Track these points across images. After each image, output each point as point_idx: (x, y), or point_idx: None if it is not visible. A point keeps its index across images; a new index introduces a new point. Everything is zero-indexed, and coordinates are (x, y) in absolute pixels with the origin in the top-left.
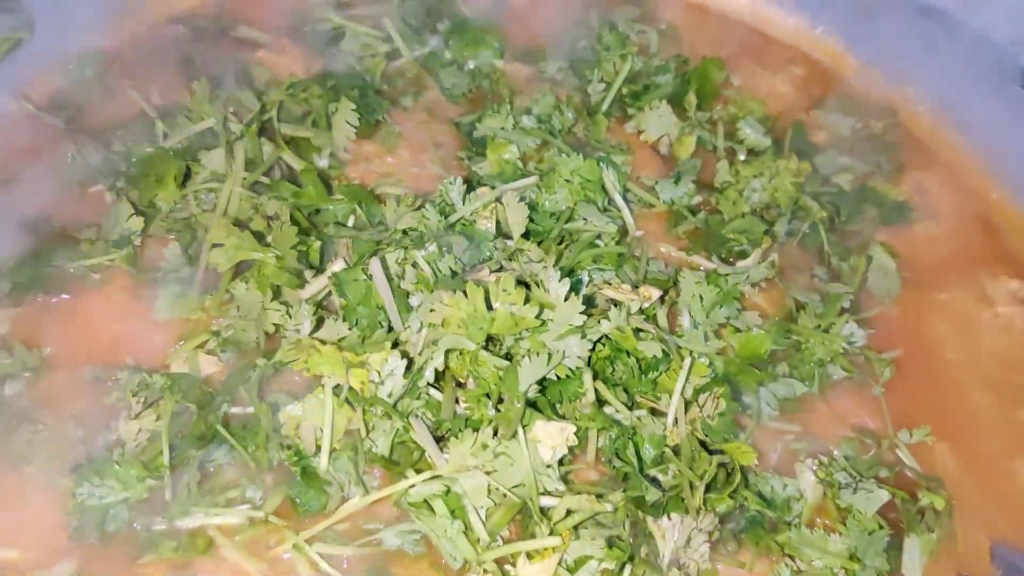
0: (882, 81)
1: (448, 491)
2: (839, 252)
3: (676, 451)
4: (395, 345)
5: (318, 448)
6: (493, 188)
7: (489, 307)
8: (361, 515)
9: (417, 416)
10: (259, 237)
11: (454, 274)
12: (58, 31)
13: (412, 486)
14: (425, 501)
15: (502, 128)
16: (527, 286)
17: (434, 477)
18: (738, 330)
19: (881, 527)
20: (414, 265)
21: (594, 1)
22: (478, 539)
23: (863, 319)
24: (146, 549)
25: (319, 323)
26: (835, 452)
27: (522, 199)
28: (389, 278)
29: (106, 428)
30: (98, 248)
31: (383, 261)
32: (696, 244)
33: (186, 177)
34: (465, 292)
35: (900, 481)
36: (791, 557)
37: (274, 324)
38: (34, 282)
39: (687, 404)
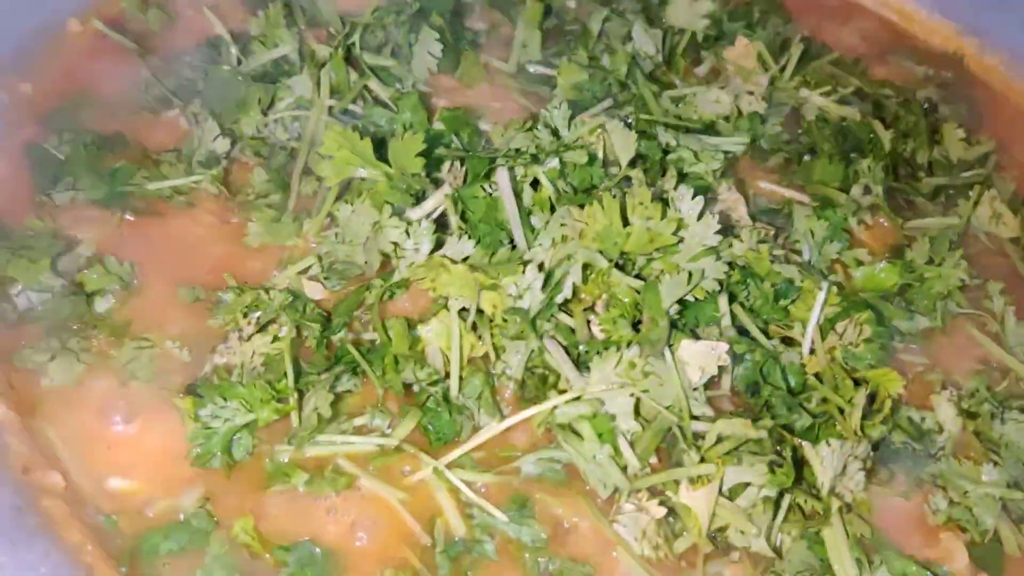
0: (951, 33)
1: (595, 414)
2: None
3: (818, 379)
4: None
5: (446, 373)
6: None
7: (625, 222)
8: (496, 442)
9: (551, 337)
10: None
11: (575, 191)
12: None
13: (556, 407)
14: (569, 425)
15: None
16: (664, 202)
17: (577, 398)
18: (860, 262)
19: None
20: (533, 184)
21: None
22: (625, 466)
23: (970, 255)
24: (275, 479)
25: (439, 243)
26: (964, 385)
27: (627, 125)
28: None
29: (213, 351)
30: (180, 170)
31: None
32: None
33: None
34: (601, 204)
35: None
36: (943, 488)
37: (393, 243)
38: (114, 199)
39: (822, 332)
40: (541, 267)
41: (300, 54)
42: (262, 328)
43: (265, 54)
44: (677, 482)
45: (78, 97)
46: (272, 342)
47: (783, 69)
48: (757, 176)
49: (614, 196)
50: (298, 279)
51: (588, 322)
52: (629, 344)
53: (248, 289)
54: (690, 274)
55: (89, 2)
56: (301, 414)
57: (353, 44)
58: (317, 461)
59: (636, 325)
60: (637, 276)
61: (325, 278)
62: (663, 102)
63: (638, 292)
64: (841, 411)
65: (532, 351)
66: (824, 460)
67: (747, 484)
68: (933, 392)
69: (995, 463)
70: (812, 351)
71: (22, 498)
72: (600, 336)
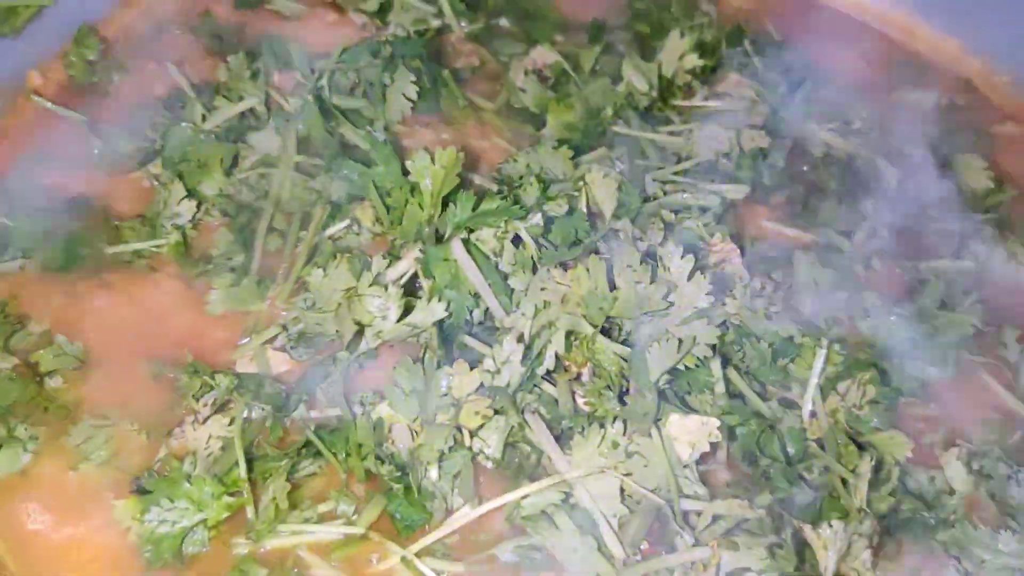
0: (956, 51)
1: (566, 499)
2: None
3: (820, 445)
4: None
5: (410, 454)
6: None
7: (611, 285)
8: (471, 528)
9: (533, 412)
10: None
11: (555, 247)
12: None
13: (526, 496)
14: (544, 513)
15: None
16: (653, 257)
17: (553, 485)
18: (867, 314)
19: None
20: (515, 241)
21: None
22: (611, 554)
23: (984, 300)
24: (233, 575)
25: (408, 308)
26: (974, 437)
27: (606, 174)
28: (486, 257)
29: (169, 435)
30: (144, 234)
31: (465, 242)
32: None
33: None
34: (587, 268)
35: None
36: (957, 559)
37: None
38: (70, 266)
39: (822, 393)
40: (520, 338)
41: (267, 106)
42: (219, 409)
43: (229, 109)
44: (670, 571)
45: (34, 159)
46: (230, 424)
47: (789, 99)
48: (759, 215)
49: (600, 258)
50: (263, 351)
51: (573, 393)
52: (614, 420)
53: (201, 369)
54: (680, 341)
55: (46, 50)
56: (258, 505)
57: (322, 88)
58: (278, 553)
59: (624, 395)
60: (623, 342)
61: (292, 347)
62: (659, 142)
63: (625, 360)
64: (844, 482)
65: (512, 428)
66: (827, 543)
67: (746, 570)
68: (941, 450)
69: (1013, 531)
70: (813, 414)
71: None
72: (585, 409)
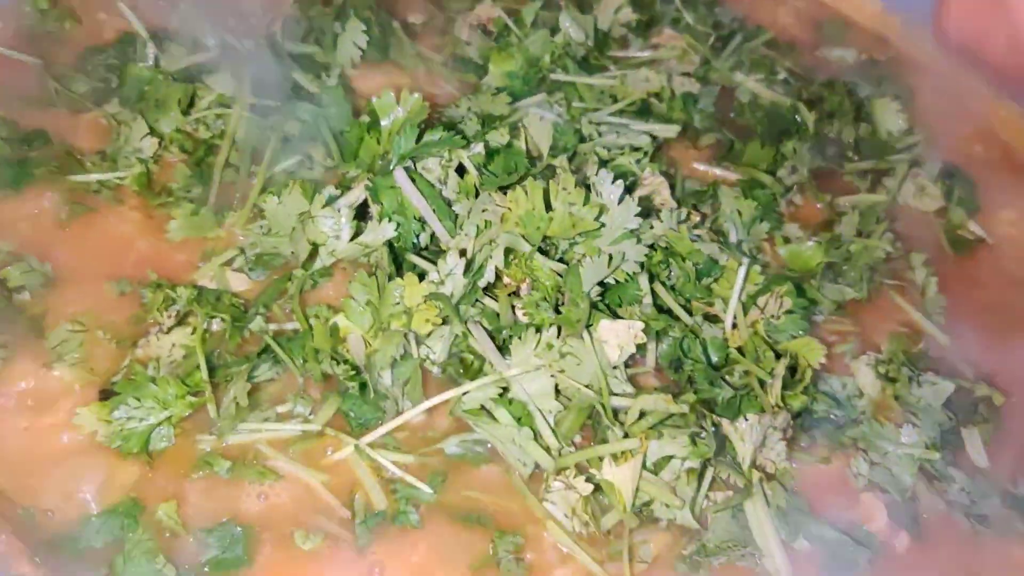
0: (878, 11)
1: (504, 394)
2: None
3: (740, 353)
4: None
5: (366, 359)
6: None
7: (548, 207)
8: (420, 425)
9: (475, 322)
10: None
11: (495, 175)
12: None
13: (466, 392)
14: (484, 409)
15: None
16: (587, 187)
17: (492, 381)
18: (787, 240)
19: (949, 419)
20: (459, 171)
21: None
22: (548, 446)
23: (897, 229)
24: (198, 467)
25: (359, 229)
26: (883, 348)
27: (542, 117)
28: (430, 184)
29: (134, 344)
30: (106, 167)
31: (408, 171)
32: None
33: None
34: (525, 189)
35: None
36: (864, 451)
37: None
38: (36, 189)
39: (744, 308)
40: (463, 253)
41: (221, 47)
42: (181, 321)
43: (187, 57)
44: (602, 458)
45: None
46: (192, 334)
47: (719, 51)
48: (690, 157)
49: (537, 182)
50: (222, 270)
51: (512, 306)
52: (550, 326)
53: (163, 285)
54: (611, 257)
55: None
56: (220, 405)
57: (275, 33)
58: (240, 448)
59: (559, 308)
60: (560, 260)
61: (250, 269)
62: (596, 87)
63: (560, 276)
64: (762, 383)
65: (456, 336)
66: (743, 435)
67: (671, 457)
68: (852, 359)
69: (913, 425)
70: (735, 326)
71: None
72: (524, 320)
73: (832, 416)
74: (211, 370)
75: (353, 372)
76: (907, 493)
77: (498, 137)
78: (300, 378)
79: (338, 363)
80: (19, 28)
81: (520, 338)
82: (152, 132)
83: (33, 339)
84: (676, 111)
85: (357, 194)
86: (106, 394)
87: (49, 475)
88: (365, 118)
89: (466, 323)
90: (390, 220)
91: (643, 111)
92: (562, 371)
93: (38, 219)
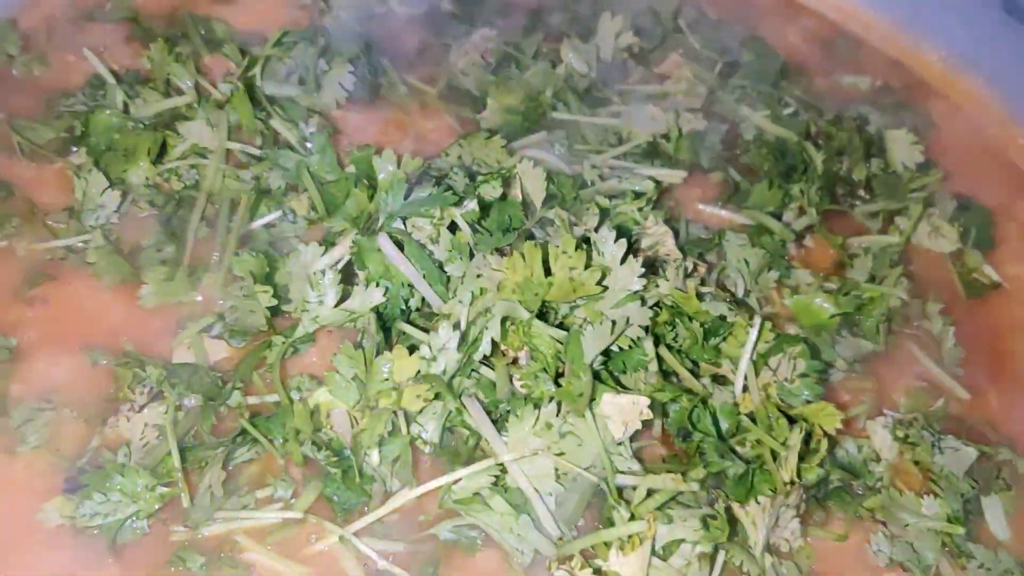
0: (892, 30)
1: (498, 482)
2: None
3: (752, 420)
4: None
5: (353, 439)
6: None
7: (546, 272)
8: (410, 509)
9: (471, 396)
10: None
11: (490, 232)
12: None
13: (458, 480)
14: (478, 496)
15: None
16: (587, 243)
17: (485, 469)
18: (795, 291)
19: (971, 487)
20: (451, 228)
21: None
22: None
23: (911, 272)
24: (171, 562)
25: (345, 294)
26: (900, 405)
27: (536, 164)
28: (419, 246)
29: (104, 423)
30: (72, 227)
31: (396, 232)
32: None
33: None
34: (523, 254)
35: (970, 436)
36: (884, 523)
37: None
38: None
39: (755, 368)
40: (456, 326)
41: (196, 92)
42: (155, 399)
43: (159, 101)
44: (608, 544)
45: None
46: (166, 413)
47: (727, 77)
48: (694, 197)
49: (535, 244)
50: (199, 339)
51: (511, 377)
52: (550, 400)
53: (133, 359)
54: (614, 323)
55: None
56: (195, 493)
57: (254, 76)
58: (216, 539)
59: (560, 377)
60: (559, 325)
61: (230, 336)
62: (599, 123)
63: (560, 343)
64: (775, 454)
65: (450, 412)
66: (755, 519)
67: (681, 541)
68: (869, 418)
69: (936, 495)
70: (745, 389)
71: None
72: (522, 391)
73: (848, 485)
74: (186, 451)
75: (336, 458)
76: (931, 571)
77: (491, 190)
78: (280, 460)
79: (320, 448)
80: None
81: (517, 415)
82: (119, 184)
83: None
84: (683, 151)
85: (341, 251)
86: (71, 484)
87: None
88: (351, 169)
89: (460, 397)
90: (377, 285)
91: (649, 152)
92: (562, 453)
93: (5, 288)
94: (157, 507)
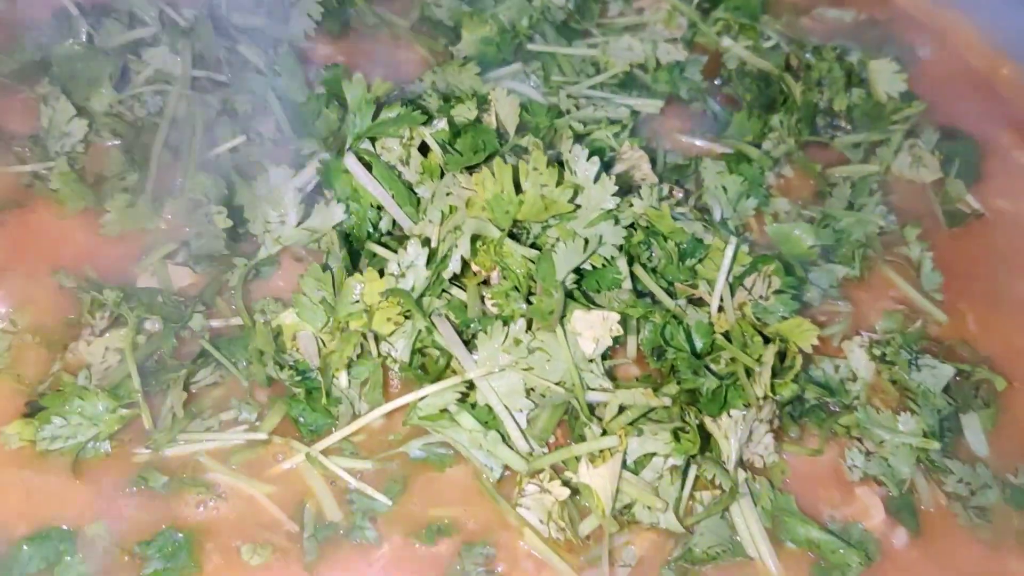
0: None
1: (465, 398)
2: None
3: (727, 338)
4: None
5: (321, 361)
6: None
7: (517, 189)
8: (379, 428)
9: (441, 315)
10: None
11: (461, 153)
12: None
13: (423, 398)
14: (446, 413)
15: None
16: (560, 165)
17: (452, 385)
18: (775, 218)
19: (948, 404)
20: (422, 149)
21: None
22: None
23: (891, 202)
24: (134, 482)
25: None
26: (877, 326)
27: (511, 92)
28: (388, 167)
29: (64, 348)
30: (37, 154)
31: (364, 152)
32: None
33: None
34: (492, 170)
35: (948, 356)
36: (859, 440)
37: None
38: None
39: (731, 290)
40: (426, 242)
41: (160, 21)
42: (116, 323)
43: (124, 33)
44: (579, 459)
45: None
46: (126, 335)
47: (708, 11)
48: (673, 128)
49: (506, 162)
50: (162, 265)
51: (482, 297)
52: (520, 318)
53: (92, 284)
54: (586, 240)
55: None
56: (157, 416)
57: (220, 5)
58: (180, 459)
59: (531, 296)
60: (532, 245)
61: (195, 263)
62: (576, 57)
63: (532, 262)
64: (749, 372)
65: (420, 332)
66: (727, 432)
67: (652, 455)
68: (845, 339)
69: (912, 412)
70: (721, 309)
71: None
72: (493, 311)
73: (824, 403)
74: (148, 375)
75: (299, 377)
76: (905, 486)
77: (465, 112)
78: (244, 382)
79: (282, 367)
80: None
81: (486, 333)
82: (83, 113)
83: None
84: (661, 82)
85: (310, 174)
86: (32, 408)
87: None
88: (320, 90)
89: (430, 317)
90: (342, 204)
91: (626, 83)
92: (529, 368)
93: None
94: (117, 428)
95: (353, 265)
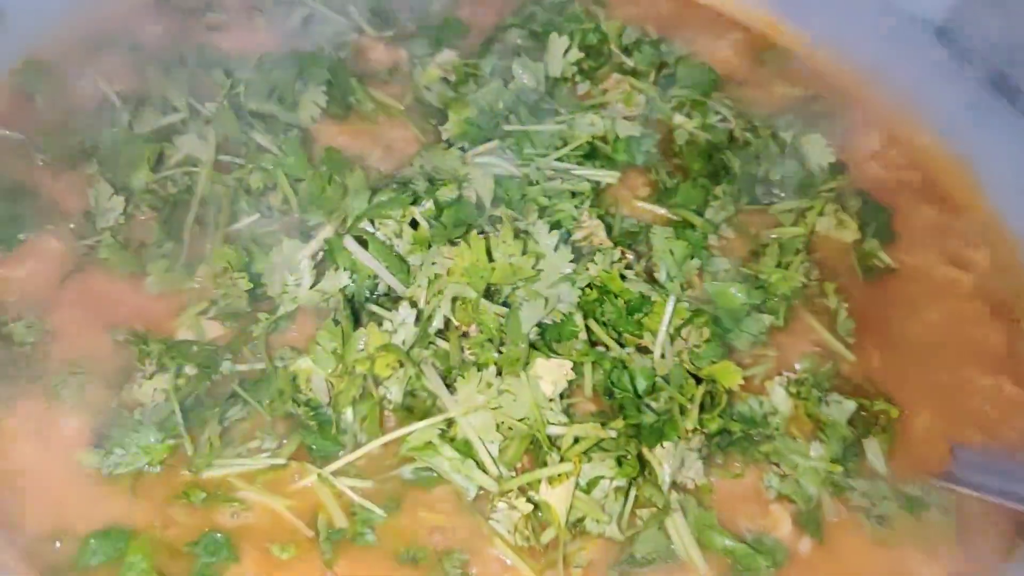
0: (811, 40)
1: (445, 432)
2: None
3: (666, 380)
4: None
5: (332, 399)
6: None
7: (489, 258)
8: (379, 455)
9: (428, 363)
10: None
11: (445, 227)
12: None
13: (412, 432)
14: (431, 444)
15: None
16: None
17: (433, 423)
18: (713, 278)
19: (851, 434)
20: (412, 224)
21: None
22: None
23: (814, 258)
24: (178, 496)
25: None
26: (796, 366)
27: (487, 171)
28: (382, 243)
29: (121, 388)
30: (89, 229)
31: (361, 231)
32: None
33: (159, 160)
34: (468, 243)
35: (855, 392)
36: (776, 464)
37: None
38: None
39: (671, 339)
40: (414, 304)
41: (188, 108)
42: (162, 368)
43: (158, 120)
44: (541, 481)
45: None
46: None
47: (666, 88)
48: (631, 196)
49: (480, 235)
50: (197, 320)
51: (462, 347)
52: (492, 365)
53: (140, 336)
54: (547, 300)
55: None
56: (197, 444)
57: (238, 94)
58: (215, 481)
59: (503, 346)
60: (504, 303)
61: (223, 318)
62: (545, 132)
63: (503, 318)
64: (682, 408)
65: (410, 377)
66: (661, 459)
67: (601, 478)
68: (767, 379)
69: (821, 440)
70: (663, 355)
71: None
72: (471, 359)
73: (748, 434)
74: (189, 411)
75: (312, 412)
76: (812, 502)
77: (448, 192)
78: (267, 417)
79: (298, 404)
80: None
81: (464, 377)
82: (123, 190)
83: (35, 384)
84: (620, 153)
85: (316, 246)
86: (99, 440)
87: (51, 504)
88: (323, 168)
89: (419, 364)
90: (346, 271)
91: (590, 154)
92: (499, 407)
93: (32, 280)
94: (166, 456)
95: (356, 322)
